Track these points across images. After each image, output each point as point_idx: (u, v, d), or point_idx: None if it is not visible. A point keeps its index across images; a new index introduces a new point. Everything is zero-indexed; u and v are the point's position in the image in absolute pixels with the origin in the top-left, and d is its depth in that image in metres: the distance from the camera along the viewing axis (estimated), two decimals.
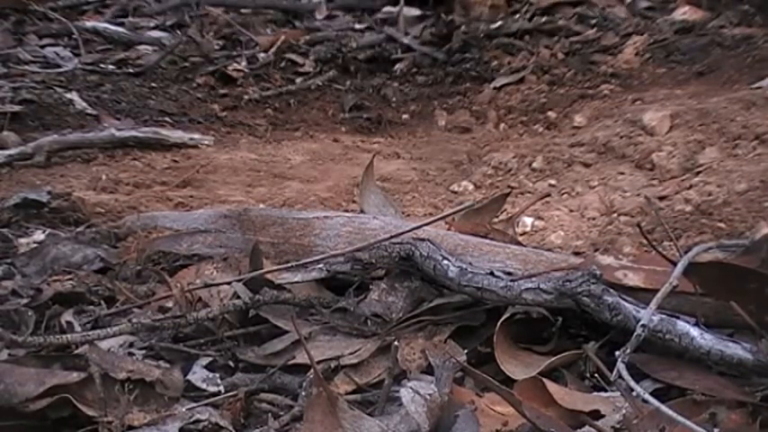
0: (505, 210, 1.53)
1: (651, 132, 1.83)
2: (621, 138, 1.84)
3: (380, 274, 1.12)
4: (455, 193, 1.80)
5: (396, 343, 1.00)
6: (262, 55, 2.72)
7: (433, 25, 2.72)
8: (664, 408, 0.82)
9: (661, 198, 1.57)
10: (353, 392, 0.98)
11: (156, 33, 2.93)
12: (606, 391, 0.94)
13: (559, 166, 1.81)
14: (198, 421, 0.92)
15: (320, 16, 3.03)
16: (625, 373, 0.87)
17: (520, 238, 1.36)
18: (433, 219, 1.22)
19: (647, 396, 0.84)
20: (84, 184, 1.76)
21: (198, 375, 1.01)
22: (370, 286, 1.11)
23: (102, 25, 2.87)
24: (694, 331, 0.94)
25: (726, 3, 2.54)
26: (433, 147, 2.12)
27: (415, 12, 2.83)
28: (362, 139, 2.24)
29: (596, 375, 0.97)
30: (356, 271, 1.12)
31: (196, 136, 2.11)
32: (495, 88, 2.40)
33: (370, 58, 2.68)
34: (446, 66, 2.59)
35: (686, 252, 1.04)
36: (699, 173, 1.63)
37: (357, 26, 2.93)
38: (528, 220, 1.55)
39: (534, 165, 1.83)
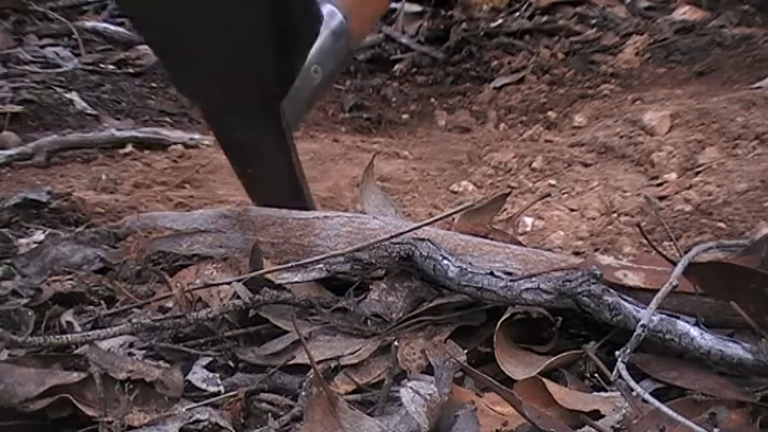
0: (505, 210, 1.53)
1: (651, 132, 1.83)
2: (621, 138, 1.84)
3: (380, 274, 1.12)
4: (455, 193, 1.80)
5: (396, 343, 1.00)
6: None
7: (431, 18, 2.72)
8: (664, 408, 0.82)
9: (661, 198, 1.57)
10: (353, 392, 0.98)
11: None
12: (606, 391, 0.94)
13: (559, 166, 1.81)
14: (198, 421, 0.92)
15: None
16: (625, 373, 0.87)
17: (520, 238, 1.36)
18: (433, 219, 1.22)
19: (647, 396, 0.84)
20: (84, 185, 1.76)
21: (198, 375, 1.01)
22: (370, 286, 1.11)
23: (102, 25, 2.87)
24: (694, 331, 0.94)
25: (726, 3, 2.54)
26: (433, 147, 2.12)
27: (416, 8, 2.83)
28: (362, 139, 2.24)
29: (596, 375, 0.97)
30: (356, 271, 1.12)
31: (196, 136, 2.11)
32: (495, 88, 2.40)
33: (369, 58, 2.68)
34: (446, 66, 2.59)
35: (686, 252, 1.04)
36: (699, 173, 1.63)
37: None
38: (528, 220, 1.55)
39: (534, 165, 1.83)
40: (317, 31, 1.23)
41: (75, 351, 1.03)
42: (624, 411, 0.88)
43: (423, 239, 1.09)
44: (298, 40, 1.17)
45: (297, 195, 1.32)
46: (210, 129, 1.38)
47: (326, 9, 1.34)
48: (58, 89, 2.30)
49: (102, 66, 2.57)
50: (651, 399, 0.84)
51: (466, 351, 1.00)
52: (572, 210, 1.58)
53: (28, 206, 1.51)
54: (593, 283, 0.97)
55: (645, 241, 1.24)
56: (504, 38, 2.60)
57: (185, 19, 1.12)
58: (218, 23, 1.11)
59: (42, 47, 2.68)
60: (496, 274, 1.03)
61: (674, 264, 1.01)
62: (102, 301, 1.19)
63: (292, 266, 1.14)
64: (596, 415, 0.89)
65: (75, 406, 0.91)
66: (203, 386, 0.99)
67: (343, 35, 1.35)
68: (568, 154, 1.84)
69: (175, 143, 2.05)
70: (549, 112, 2.20)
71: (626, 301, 0.97)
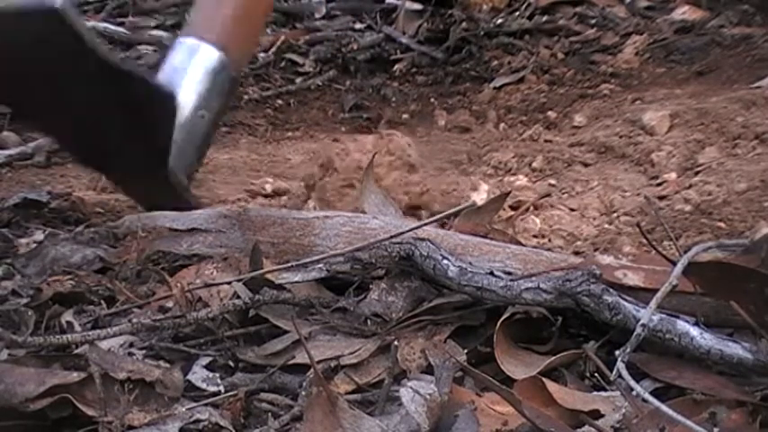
0: (505, 210, 1.53)
1: (651, 132, 1.83)
2: (621, 137, 1.84)
3: (380, 274, 1.12)
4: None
5: (396, 343, 1.00)
6: (262, 55, 2.72)
7: (431, 18, 2.71)
8: (663, 407, 0.82)
9: (661, 198, 1.57)
10: (353, 392, 0.98)
11: (156, 33, 2.92)
12: (606, 390, 0.94)
13: (559, 166, 1.81)
14: (198, 421, 0.92)
15: (319, 15, 3.03)
16: (625, 373, 0.87)
17: (520, 238, 1.36)
18: (432, 219, 1.22)
19: (646, 395, 0.84)
20: (84, 184, 1.76)
21: (198, 375, 1.01)
22: (370, 286, 1.11)
23: (102, 25, 2.87)
24: (694, 331, 0.94)
25: (726, 2, 2.54)
26: (433, 147, 2.12)
27: (417, 6, 2.82)
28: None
29: (596, 375, 0.97)
30: (356, 271, 1.13)
31: None
32: (494, 88, 2.40)
33: (369, 58, 2.68)
34: (446, 65, 2.59)
35: (686, 252, 1.04)
36: (699, 172, 1.63)
37: (357, 26, 2.93)
38: (529, 220, 1.55)
39: (534, 165, 1.83)
40: (171, 112, 1.31)
41: (75, 351, 1.03)
42: (624, 411, 0.88)
43: (423, 239, 1.09)
44: (155, 126, 1.29)
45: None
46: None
47: (201, 49, 1.39)
48: None
49: None
50: (651, 398, 0.84)
51: (466, 351, 1.00)
52: (572, 209, 1.58)
53: (28, 206, 1.51)
54: (593, 283, 0.97)
55: (645, 241, 1.24)
56: (504, 38, 2.60)
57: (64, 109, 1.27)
58: (86, 115, 1.28)
59: None
60: (496, 273, 1.03)
61: (674, 263, 1.01)
62: (102, 301, 1.19)
63: (292, 266, 1.14)
64: (596, 414, 0.89)
65: (75, 406, 0.91)
66: (203, 386, 0.99)
67: (222, 69, 1.39)
68: (568, 154, 1.84)
69: None
70: (549, 112, 2.19)
71: (626, 300, 0.97)
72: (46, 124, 1.39)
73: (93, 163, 1.45)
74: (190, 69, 1.37)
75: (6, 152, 1.91)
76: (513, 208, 1.57)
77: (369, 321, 1.06)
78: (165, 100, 1.31)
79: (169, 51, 1.41)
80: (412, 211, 1.50)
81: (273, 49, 2.72)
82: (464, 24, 2.64)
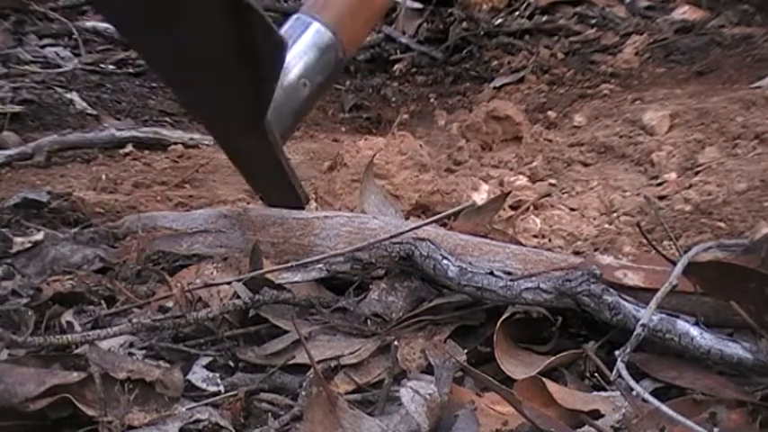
0: (506, 210, 1.53)
1: (651, 132, 1.83)
2: (621, 137, 1.84)
3: (380, 274, 1.12)
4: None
5: (396, 343, 1.00)
6: None
7: (431, 19, 2.71)
8: (663, 407, 0.82)
9: (661, 198, 1.57)
10: (353, 392, 0.98)
11: None
12: (606, 390, 0.94)
13: (559, 166, 1.80)
14: (198, 421, 0.92)
15: None
16: (625, 373, 0.87)
17: (520, 238, 1.36)
18: (432, 219, 1.22)
19: (646, 395, 0.84)
20: (84, 184, 1.76)
21: (198, 375, 1.01)
22: (370, 286, 1.11)
23: (102, 25, 2.86)
24: (694, 331, 0.94)
25: (726, 2, 2.54)
26: (433, 147, 2.12)
27: (417, 5, 2.82)
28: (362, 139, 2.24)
29: (596, 375, 0.97)
30: (356, 271, 1.13)
31: (196, 136, 2.11)
32: (494, 88, 2.40)
33: (369, 58, 2.68)
34: (446, 65, 2.59)
35: (686, 252, 1.04)
36: (699, 172, 1.62)
37: None
38: (529, 220, 1.55)
39: (534, 165, 1.83)
40: (281, 57, 1.27)
41: (75, 351, 1.03)
42: (624, 411, 0.88)
43: (423, 239, 1.09)
44: (263, 67, 1.23)
45: (291, 196, 1.36)
46: (211, 136, 1.53)
47: (313, 27, 1.40)
48: (58, 89, 2.30)
49: (102, 66, 2.57)
50: (651, 398, 0.84)
51: (466, 351, 1.00)
52: (572, 209, 1.58)
53: (28, 206, 1.51)
54: (593, 283, 0.97)
55: (645, 241, 1.24)
56: (504, 37, 2.60)
57: (168, 44, 1.20)
58: (191, 49, 1.20)
59: (42, 47, 2.68)
60: (496, 273, 1.03)
61: (674, 263, 1.01)
62: (103, 301, 1.19)
63: (292, 266, 1.14)
64: (596, 414, 0.89)
65: (75, 406, 0.91)
66: (203, 386, 0.99)
67: (331, 49, 1.41)
68: (568, 154, 1.84)
69: (175, 143, 2.05)
70: (549, 112, 2.19)
71: (626, 300, 0.97)
72: (159, 64, 1.35)
73: (199, 110, 1.45)
74: (300, 40, 1.39)
75: (6, 152, 1.90)
76: (513, 208, 1.57)
77: (369, 321, 1.06)
78: (278, 44, 1.25)
79: (283, 23, 1.42)
80: (419, 210, 1.50)
81: None
82: (464, 24, 2.64)
